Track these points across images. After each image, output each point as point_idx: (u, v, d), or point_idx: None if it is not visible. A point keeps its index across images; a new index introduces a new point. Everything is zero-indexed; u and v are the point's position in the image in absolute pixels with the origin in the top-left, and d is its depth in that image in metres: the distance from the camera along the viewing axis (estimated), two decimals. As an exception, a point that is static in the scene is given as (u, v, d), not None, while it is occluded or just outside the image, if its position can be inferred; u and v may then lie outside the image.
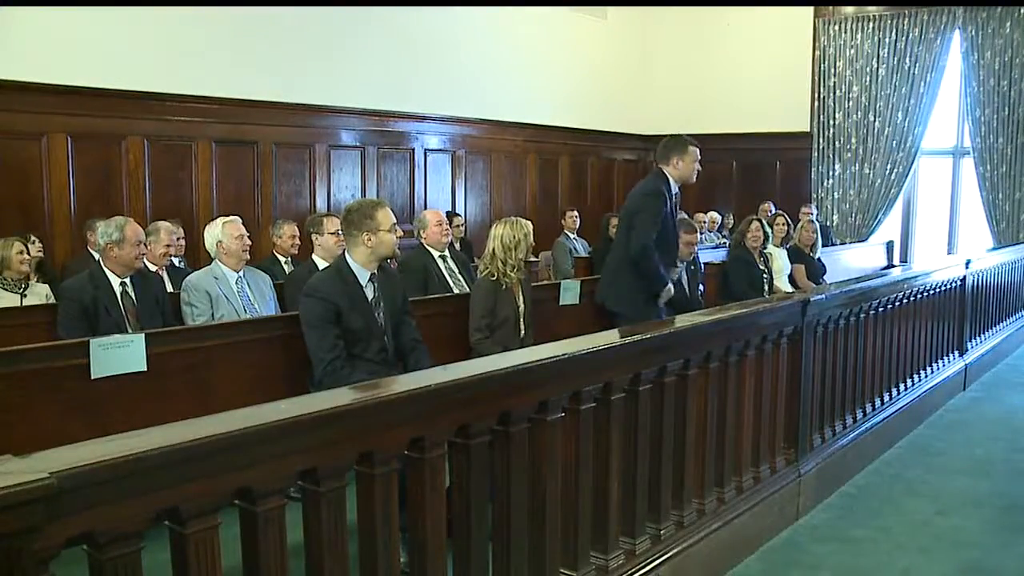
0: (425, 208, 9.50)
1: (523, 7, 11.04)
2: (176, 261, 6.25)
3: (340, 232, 5.10)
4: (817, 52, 11.98)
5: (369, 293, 3.92)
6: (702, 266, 6.54)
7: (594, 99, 12.29)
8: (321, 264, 5.14)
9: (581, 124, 12.10)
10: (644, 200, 5.21)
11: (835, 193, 12.07)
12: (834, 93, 11.92)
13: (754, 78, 12.26)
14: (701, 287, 6.26)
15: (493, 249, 4.91)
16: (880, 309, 4.92)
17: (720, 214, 11.57)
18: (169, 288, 5.20)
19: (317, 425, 1.96)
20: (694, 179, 5.30)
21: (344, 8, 9.05)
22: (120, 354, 3.61)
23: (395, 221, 3.94)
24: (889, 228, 12.04)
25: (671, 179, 5.23)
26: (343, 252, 4.02)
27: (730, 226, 11.34)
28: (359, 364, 3.81)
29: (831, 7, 11.92)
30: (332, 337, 3.77)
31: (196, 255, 6.92)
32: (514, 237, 4.88)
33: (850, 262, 10.09)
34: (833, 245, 10.54)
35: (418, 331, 4.17)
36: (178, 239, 6.34)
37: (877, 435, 4.90)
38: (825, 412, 4.39)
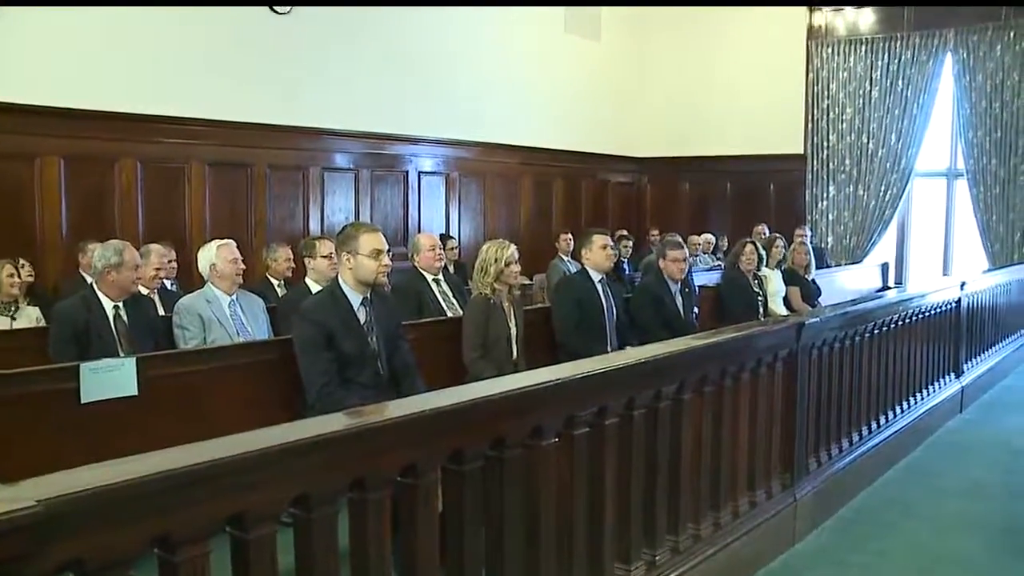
0: (419, 231, 9.51)
1: (517, 6, 11.05)
2: (168, 284, 6.25)
3: (333, 255, 5.12)
4: (810, 74, 12.09)
5: (362, 317, 3.92)
6: (696, 289, 6.54)
7: (588, 121, 12.36)
8: (314, 288, 5.14)
9: (575, 146, 12.16)
10: (555, 294, 5.78)
11: (829, 215, 12.14)
12: (828, 115, 12.02)
13: (748, 100, 12.35)
14: (695, 310, 6.27)
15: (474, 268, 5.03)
16: (876, 331, 4.93)
17: (714, 236, 11.60)
18: (161, 311, 5.18)
19: (310, 451, 1.96)
20: (608, 264, 5.67)
21: (338, 30, 9.11)
22: (111, 378, 3.60)
23: (382, 248, 3.90)
24: (884, 250, 12.10)
25: (589, 270, 5.61)
26: (337, 275, 4.03)
27: (724, 248, 11.36)
28: (352, 388, 3.81)
29: (823, 25, 12.01)
30: (324, 361, 3.76)
31: (189, 278, 6.92)
32: (484, 260, 4.95)
33: (845, 284, 10.13)
34: (828, 267, 10.57)
35: (412, 355, 4.16)
36: (170, 262, 6.34)
37: (874, 458, 4.89)
38: (821, 435, 4.39)
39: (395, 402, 2.49)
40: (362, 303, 3.94)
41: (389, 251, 4.00)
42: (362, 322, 3.92)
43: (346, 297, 3.91)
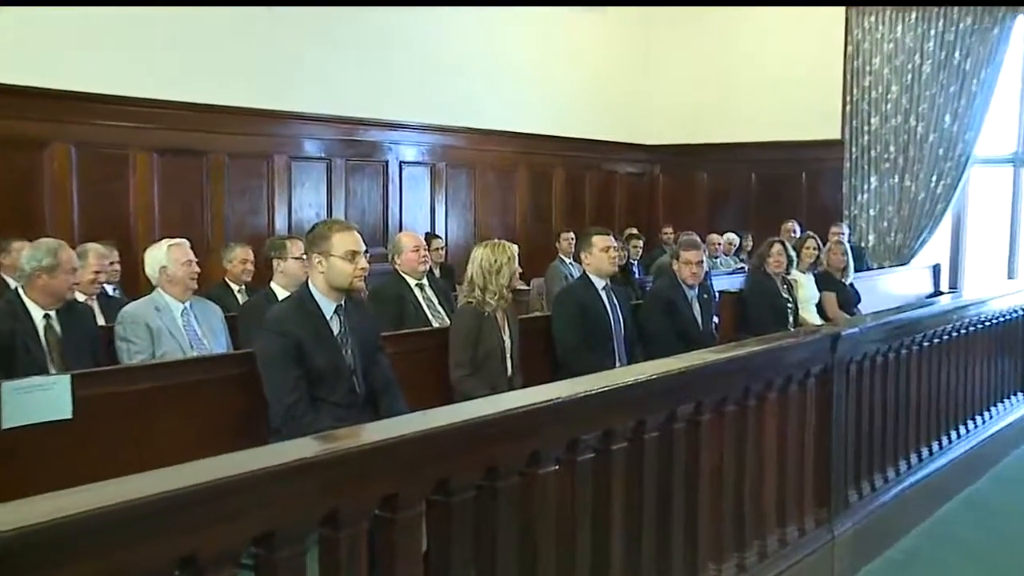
0: (400, 229, 9.51)
1: (518, 6, 11.11)
2: (110, 289, 6.25)
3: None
4: (850, 48, 11.99)
5: (335, 327, 3.95)
6: (716, 294, 6.57)
7: (592, 105, 12.37)
8: (281, 293, 5.16)
9: (578, 133, 12.18)
10: (555, 305, 5.73)
11: (871, 209, 12.10)
12: (869, 94, 11.94)
13: (777, 78, 12.32)
14: (715, 319, 6.29)
15: (472, 275, 5.01)
16: (926, 344, 4.95)
17: (737, 235, 11.62)
18: (101, 321, 5.18)
19: (275, 481, 1.96)
20: (612, 268, 5.68)
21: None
22: (40, 399, 3.57)
23: (359, 249, 3.94)
24: (935, 249, 12.07)
25: (591, 276, 5.63)
26: (306, 280, 4.05)
27: (748, 248, 11.39)
28: (324, 409, 3.82)
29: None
30: (293, 378, 3.78)
31: (134, 283, 6.87)
32: (495, 261, 4.95)
33: (890, 288, 10.14)
34: (869, 269, 10.58)
35: (392, 371, 4.18)
36: (111, 264, 6.34)
37: (926, 490, 4.90)
38: (863, 463, 4.40)
39: (373, 424, 2.51)
40: (335, 311, 3.97)
41: (366, 252, 4.02)
42: (335, 333, 3.94)
43: (317, 305, 3.94)
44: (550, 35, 11.87)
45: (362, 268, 3.96)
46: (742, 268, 9.69)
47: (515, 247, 5.09)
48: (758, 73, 12.49)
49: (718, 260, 10.64)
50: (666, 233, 11.80)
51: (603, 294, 5.58)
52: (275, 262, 5.46)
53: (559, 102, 11.93)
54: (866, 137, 12.03)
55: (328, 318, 3.95)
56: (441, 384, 4.89)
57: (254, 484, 1.92)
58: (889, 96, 11.86)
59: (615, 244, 5.76)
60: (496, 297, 4.94)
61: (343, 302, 4.00)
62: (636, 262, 9.98)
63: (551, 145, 11.92)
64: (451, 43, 10.59)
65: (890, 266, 11.61)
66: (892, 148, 11.92)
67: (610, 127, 12.69)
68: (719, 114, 12.77)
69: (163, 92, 8.17)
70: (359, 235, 4.01)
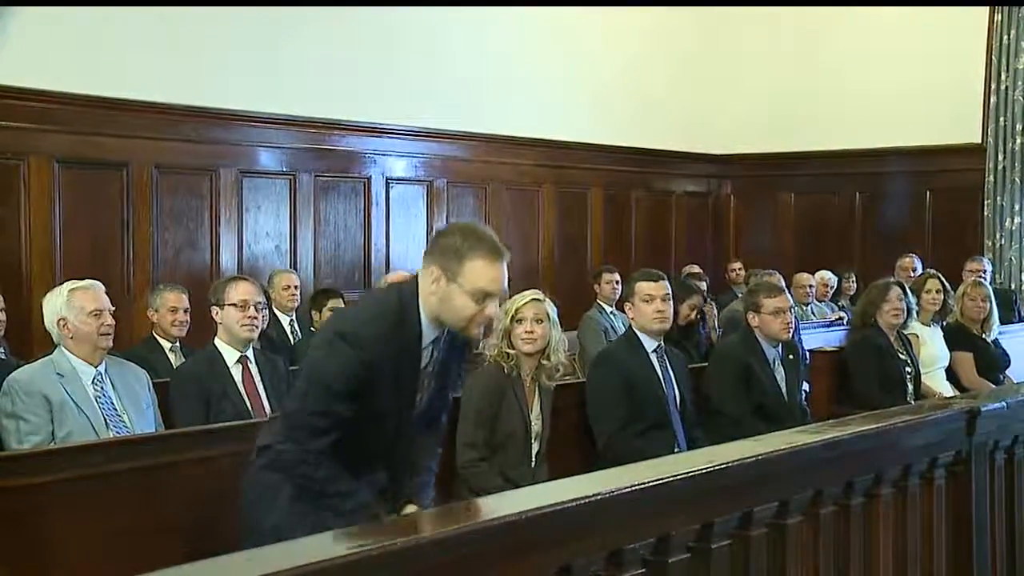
0: (387, 267, 9.56)
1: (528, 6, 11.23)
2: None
3: (254, 304, 5.13)
4: (998, 16, 11.85)
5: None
6: (806, 355, 6.55)
7: (642, 104, 12.44)
8: (228, 353, 5.17)
9: (621, 140, 12.24)
10: (591, 373, 5.78)
11: (1024, 238, 12.03)
12: (1022, 83, 11.84)
13: (890, 65, 12.30)
14: (805, 387, 6.27)
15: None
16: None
17: (835, 274, 11.60)
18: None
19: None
20: (659, 325, 5.58)
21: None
22: None
23: (497, 286, 3.64)
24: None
25: (639, 334, 5.64)
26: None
27: (851, 292, 11.36)
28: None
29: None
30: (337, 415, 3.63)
31: (27, 339, 6.91)
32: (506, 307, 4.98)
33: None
34: (1022, 320, 10.50)
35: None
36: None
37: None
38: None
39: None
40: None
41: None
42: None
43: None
44: (586, 17, 11.89)
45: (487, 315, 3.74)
46: (842, 319, 9.66)
47: (526, 298, 5.09)
48: (867, 60, 12.47)
49: (809, 308, 10.61)
50: (735, 271, 11.78)
51: (654, 358, 5.58)
52: (214, 310, 5.37)
53: (596, 101, 11.97)
54: (1019, 140, 11.90)
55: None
56: (442, 472, 4.89)
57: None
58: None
59: (667, 292, 5.63)
60: (496, 354, 4.97)
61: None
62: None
63: (586, 156, 11.99)
64: (454, 23, 10.64)
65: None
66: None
67: (665, 132, 12.74)
68: (813, 114, 12.78)
69: (69, 83, 8.10)
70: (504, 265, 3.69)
